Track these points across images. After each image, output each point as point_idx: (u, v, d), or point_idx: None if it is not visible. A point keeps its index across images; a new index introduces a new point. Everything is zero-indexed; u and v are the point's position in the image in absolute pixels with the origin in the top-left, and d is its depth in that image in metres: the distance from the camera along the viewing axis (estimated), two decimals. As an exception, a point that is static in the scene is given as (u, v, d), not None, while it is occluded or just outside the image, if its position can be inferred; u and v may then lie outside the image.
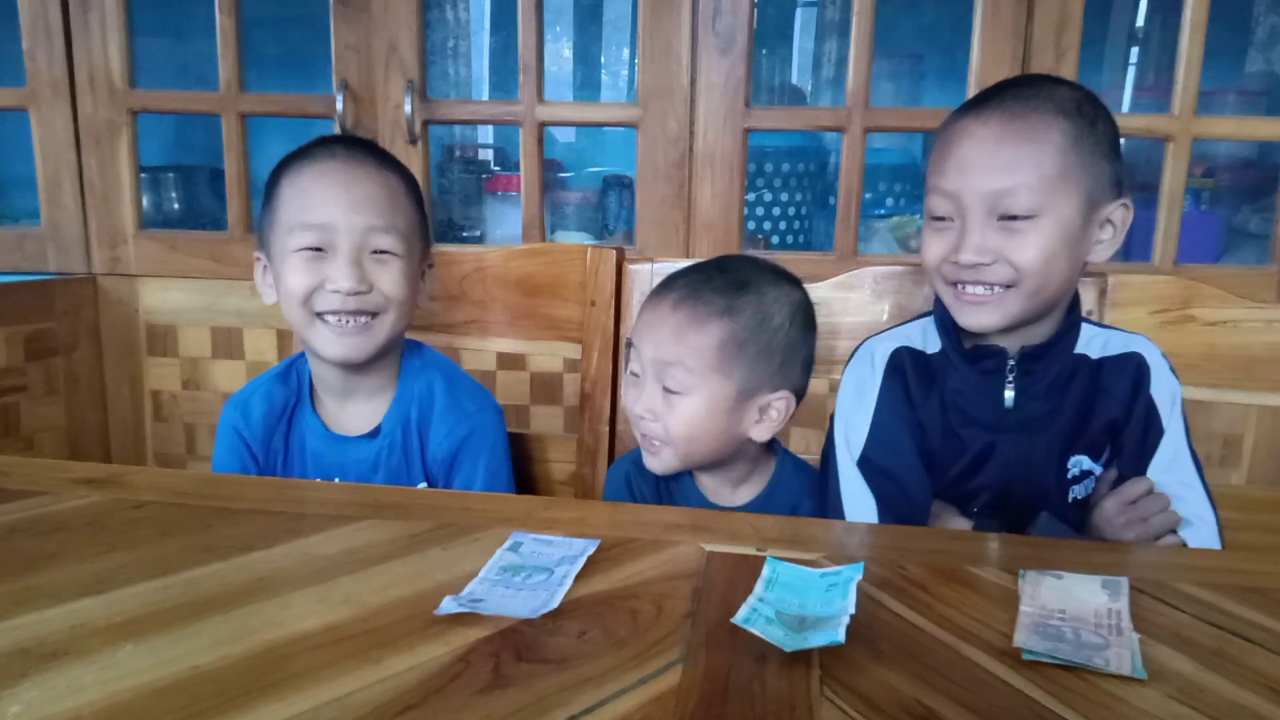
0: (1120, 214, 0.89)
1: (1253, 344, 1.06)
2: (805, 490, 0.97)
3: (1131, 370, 0.93)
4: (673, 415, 0.91)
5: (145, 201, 1.82)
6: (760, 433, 0.94)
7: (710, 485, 0.99)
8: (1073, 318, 0.93)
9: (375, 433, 1.03)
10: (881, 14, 1.61)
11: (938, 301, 0.97)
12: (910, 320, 1.01)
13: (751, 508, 0.97)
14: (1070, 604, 0.60)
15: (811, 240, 2.03)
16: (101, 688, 0.49)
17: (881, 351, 0.97)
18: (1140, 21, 2.15)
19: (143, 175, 1.81)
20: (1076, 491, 0.93)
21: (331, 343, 0.97)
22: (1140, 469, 0.91)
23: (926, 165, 0.94)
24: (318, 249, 0.96)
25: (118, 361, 1.80)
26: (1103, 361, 0.93)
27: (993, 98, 0.88)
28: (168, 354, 1.79)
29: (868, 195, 1.93)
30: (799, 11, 2.28)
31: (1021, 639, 0.56)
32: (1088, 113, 0.87)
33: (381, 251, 0.97)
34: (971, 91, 1.58)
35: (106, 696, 0.48)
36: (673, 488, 1.00)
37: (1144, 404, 0.92)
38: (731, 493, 0.98)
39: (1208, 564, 0.72)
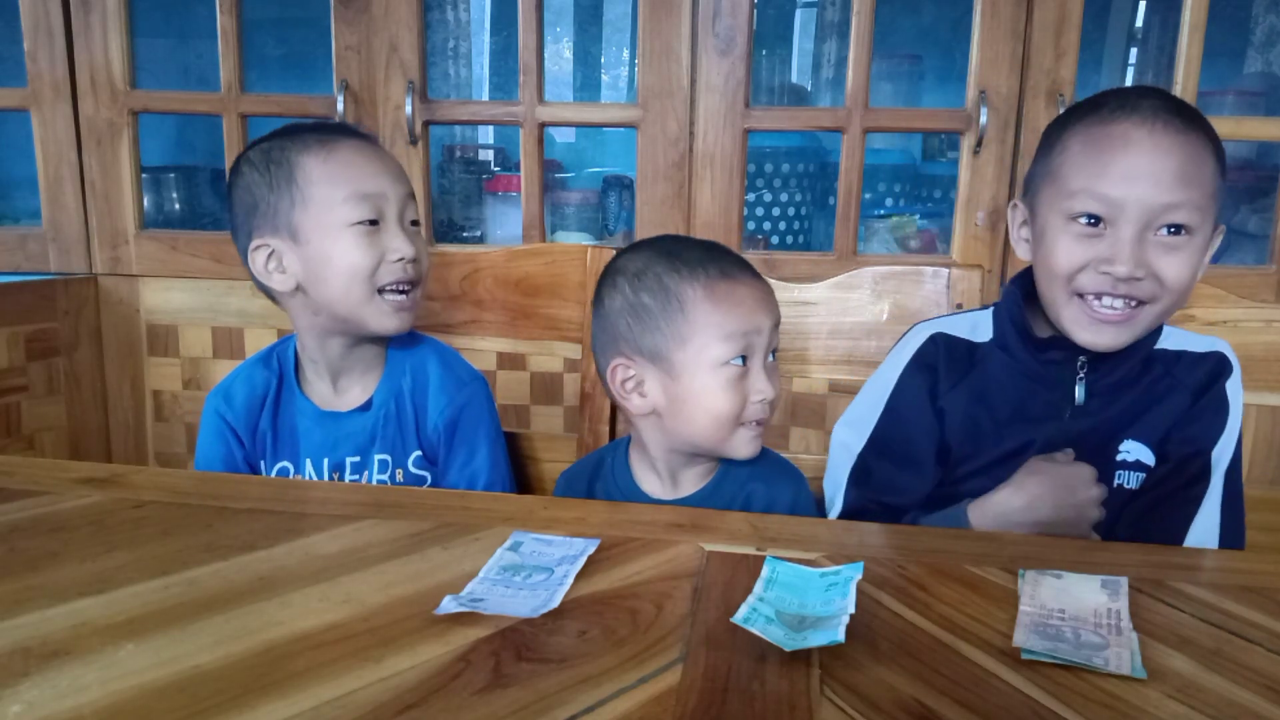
0: (1218, 239, 0.88)
1: (1251, 344, 1.06)
2: (756, 476, 0.93)
3: (1211, 364, 0.92)
4: None
5: (146, 202, 1.82)
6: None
7: (648, 478, 0.96)
8: None
9: (367, 406, 1.04)
10: (881, 15, 1.61)
11: (1010, 295, 0.94)
12: (965, 311, 1.01)
13: (698, 499, 0.93)
14: (1070, 603, 0.60)
15: (811, 240, 2.03)
16: (103, 687, 0.49)
17: (919, 337, 0.97)
18: (1139, 22, 2.15)
19: (144, 176, 1.81)
20: (1124, 478, 0.91)
21: (389, 315, 1.00)
22: (1194, 455, 0.90)
23: (1049, 163, 0.89)
24: (373, 221, 0.98)
25: (119, 361, 1.80)
26: (1181, 354, 0.92)
27: (1140, 104, 0.84)
28: (169, 354, 1.79)
29: (867, 195, 1.93)
30: (799, 12, 2.28)
31: (1021, 638, 0.56)
32: (1215, 134, 0.86)
33: (414, 223, 1.02)
34: (971, 92, 1.58)
35: (108, 695, 0.48)
36: (613, 494, 0.97)
37: (1215, 395, 0.91)
38: (671, 488, 0.95)
39: (1207, 564, 0.72)
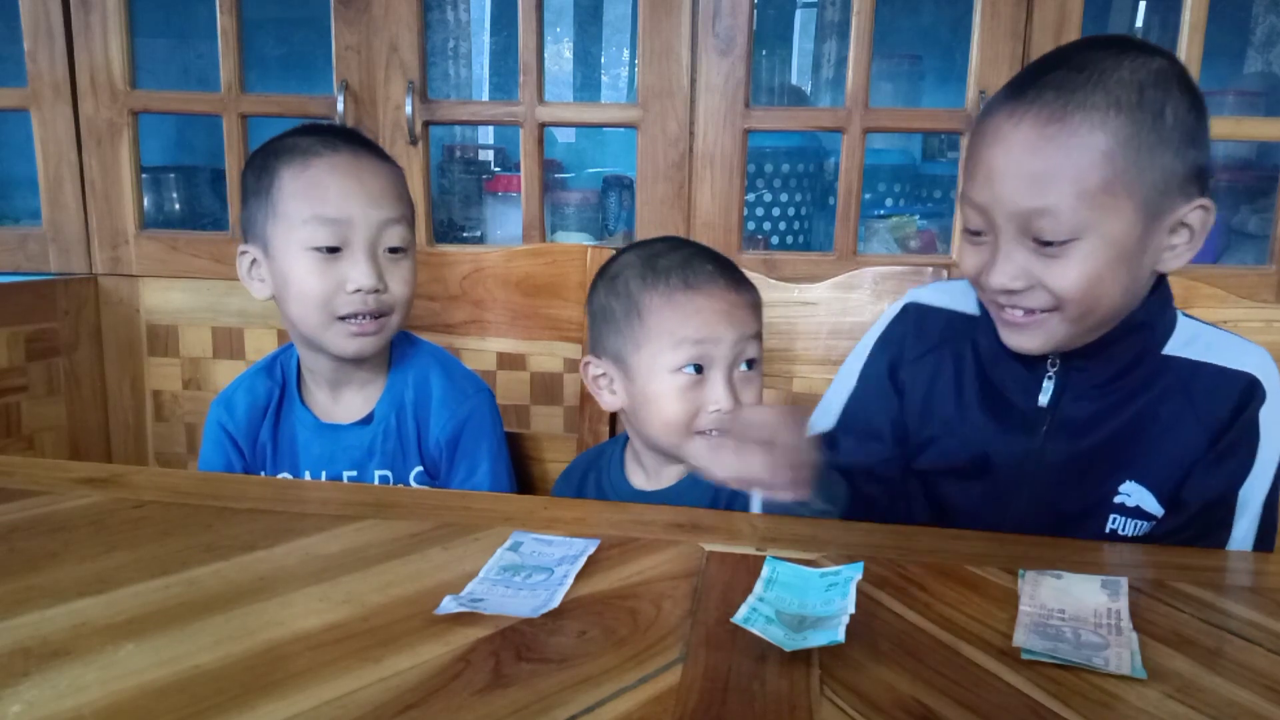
0: (1199, 216, 0.74)
1: (1252, 344, 1.06)
2: None
3: (1238, 389, 0.78)
4: None
5: (146, 202, 1.82)
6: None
7: (635, 471, 0.98)
8: (1148, 312, 0.78)
9: (368, 419, 1.03)
10: (881, 15, 1.61)
11: None
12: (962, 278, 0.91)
13: (676, 491, 0.94)
14: (1070, 603, 0.60)
15: (811, 240, 2.03)
16: (103, 687, 0.49)
17: (894, 310, 0.91)
18: (1139, 22, 2.15)
19: (144, 176, 1.80)
20: (1117, 523, 0.80)
21: (347, 341, 0.97)
22: (1214, 503, 0.78)
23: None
24: (333, 248, 0.94)
25: (119, 361, 1.80)
26: (1202, 368, 0.78)
27: (1032, 85, 0.72)
28: (169, 354, 1.79)
29: (867, 195, 1.93)
30: (799, 12, 2.29)
31: (1021, 638, 0.56)
32: (1152, 101, 0.70)
33: (394, 250, 0.97)
34: (971, 92, 1.58)
35: (108, 695, 0.48)
36: (602, 482, 0.99)
37: (1242, 428, 0.78)
38: (654, 480, 0.96)
39: (1207, 564, 0.72)
